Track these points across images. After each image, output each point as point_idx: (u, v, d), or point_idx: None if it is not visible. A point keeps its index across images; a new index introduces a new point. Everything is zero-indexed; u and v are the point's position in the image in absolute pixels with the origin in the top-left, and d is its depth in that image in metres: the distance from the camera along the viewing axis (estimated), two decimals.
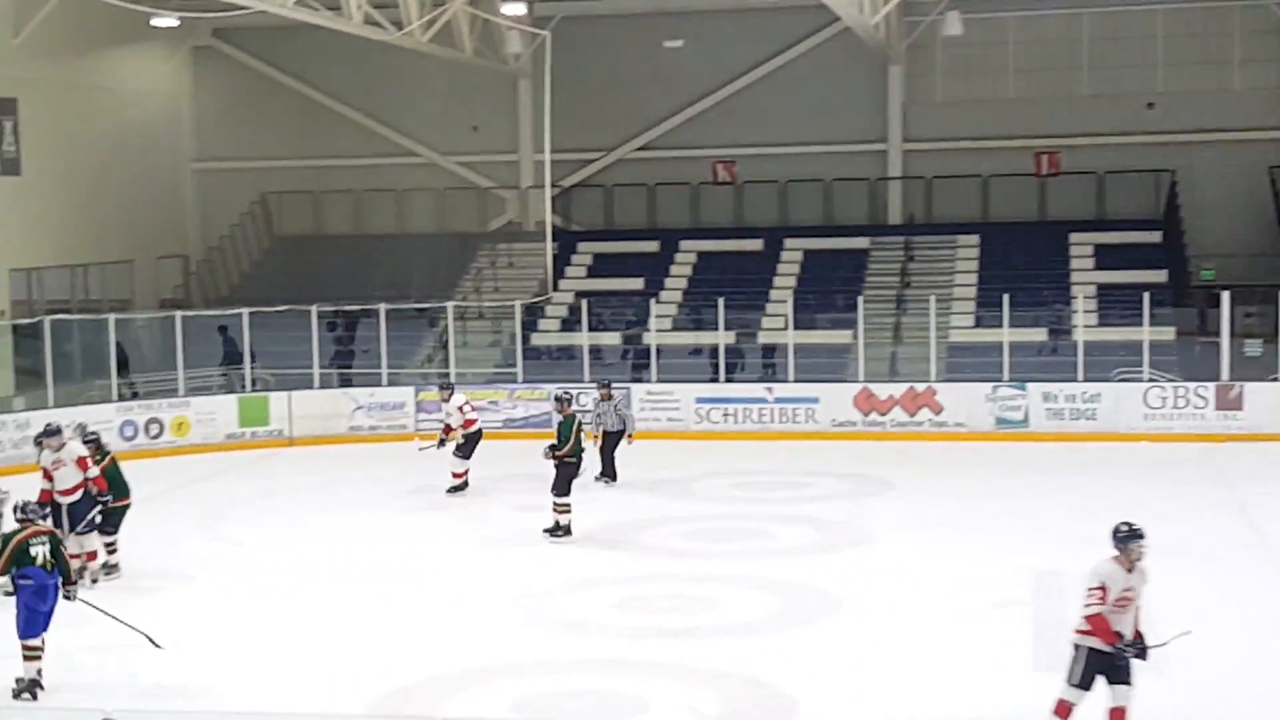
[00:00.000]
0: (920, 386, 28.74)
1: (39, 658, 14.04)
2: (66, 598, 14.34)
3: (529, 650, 15.35)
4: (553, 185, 34.91)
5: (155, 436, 27.77)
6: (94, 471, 18.08)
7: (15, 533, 14.28)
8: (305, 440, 28.50)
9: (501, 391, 29.78)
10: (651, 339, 30.78)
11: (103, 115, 35.62)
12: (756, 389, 29.36)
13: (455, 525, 21.51)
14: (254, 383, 29.79)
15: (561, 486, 20.43)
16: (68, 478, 17.99)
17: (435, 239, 37.09)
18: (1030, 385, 28.21)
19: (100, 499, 18.07)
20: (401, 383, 30.18)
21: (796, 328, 30.05)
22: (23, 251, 32.52)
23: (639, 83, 37.33)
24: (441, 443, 23.63)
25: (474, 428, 23.49)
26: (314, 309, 29.82)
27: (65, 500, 17.94)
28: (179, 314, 30.07)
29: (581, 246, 36.35)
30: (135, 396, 28.68)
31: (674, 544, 20.08)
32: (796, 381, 29.25)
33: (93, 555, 18.17)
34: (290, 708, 13.40)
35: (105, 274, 35.29)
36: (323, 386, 29.78)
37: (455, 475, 23.47)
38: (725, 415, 29.18)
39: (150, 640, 14.93)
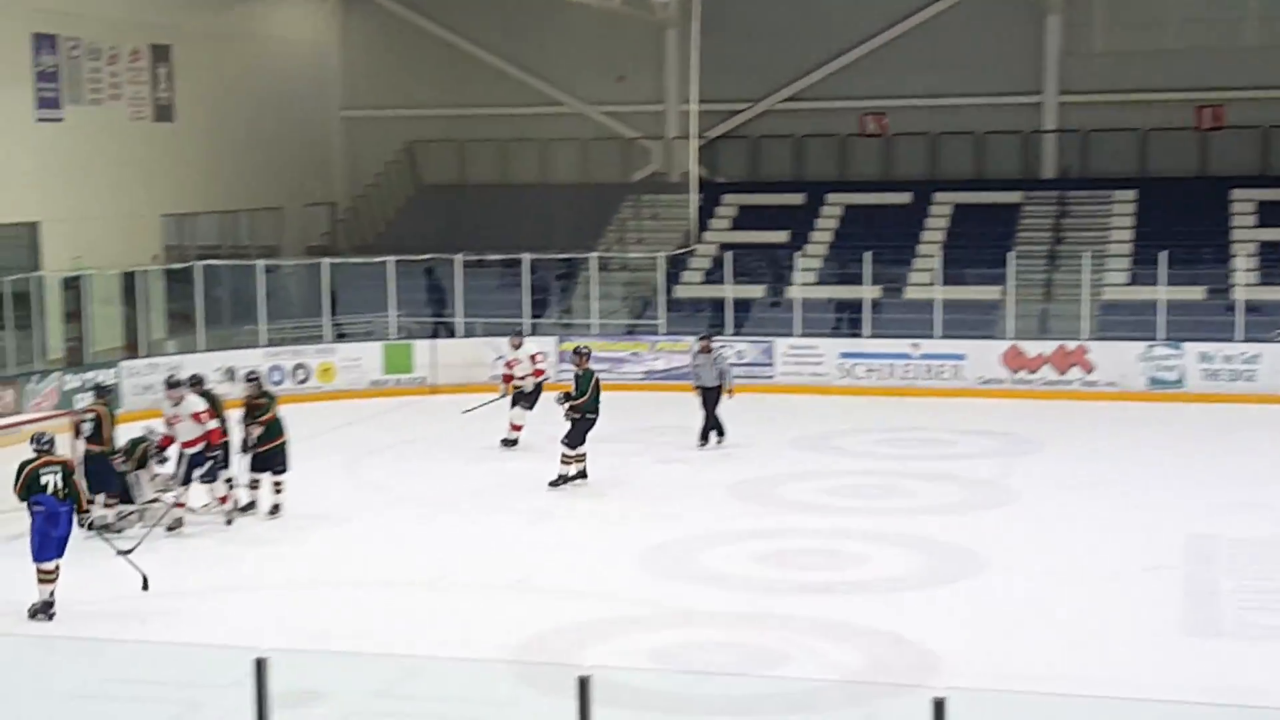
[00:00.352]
0: (1071, 345, 28.22)
1: (52, 581, 14.76)
2: (80, 525, 15.29)
3: (668, 602, 15.25)
4: (698, 136, 34.65)
5: (301, 382, 28.07)
6: (212, 424, 18.19)
7: (28, 462, 15.02)
8: (447, 388, 28.61)
9: (643, 344, 29.69)
10: (795, 292, 30.49)
11: (254, 64, 35.94)
12: (901, 344, 28.97)
13: (595, 475, 21.46)
14: (398, 330, 29.99)
15: (575, 438, 20.46)
16: (186, 431, 18.13)
17: (579, 189, 37.00)
18: (1186, 345, 27.56)
19: (210, 454, 18.13)
20: (542, 333, 30.18)
21: (944, 283, 29.64)
22: (175, 197, 32.97)
23: (787, 32, 36.82)
24: (502, 395, 23.42)
25: (541, 379, 23.32)
26: (458, 257, 29.91)
27: (186, 452, 18.09)
28: (325, 260, 30.38)
29: (726, 198, 36.06)
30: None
31: (816, 499, 19.88)
32: (943, 338, 28.83)
33: (224, 499, 18.35)
34: (433, 651, 13.43)
35: (254, 220, 35.75)
36: (466, 335, 29.88)
37: (514, 427, 23.25)
38: (869, 370, 28.84)
39: (144, 581, 15.52)
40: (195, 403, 18.34)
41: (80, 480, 15.51)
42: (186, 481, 18.19)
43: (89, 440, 18.24)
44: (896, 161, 36.41)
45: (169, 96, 32.77)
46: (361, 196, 38.83)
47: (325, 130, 39.18)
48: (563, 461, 20.49)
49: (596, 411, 20.72)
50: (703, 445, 23.06)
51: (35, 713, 11.81)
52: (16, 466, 15.06)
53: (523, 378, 23.25)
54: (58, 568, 14.78)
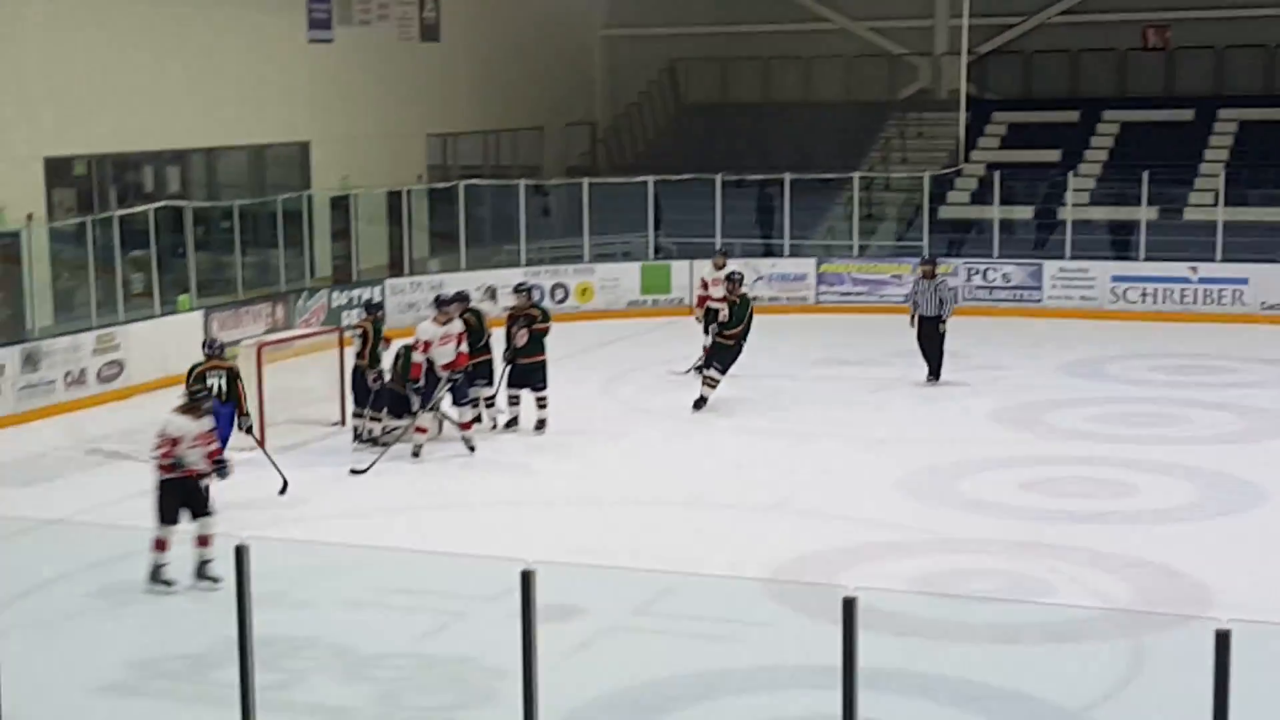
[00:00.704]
0: None
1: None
2: (239, 428, 16.37)
3: (930, 527, 14.97)
4: (968, 51, 33.82)
5: (560, 301, 28.19)
6: (463, 348, 18.21)
7: (196, 365, 16.49)
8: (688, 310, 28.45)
9: (905, 266, 29.17)
10: (1067, 214, 29.60)
11: None
12: (1179, 268, 27.95)
13: (854, 395, 21.13)
14: (658, 250, 29.94)
15: (725, 362, 20.04)
16: (446, 354, 18.12)
17: (843, 108, 36.44)
18: None
19: (454, 376, 18.14)
20: (804, 254, 29.86)
21: (1227, 204, 28.50)
22: (440, 117, 33.32)
23: None
24: (698, 320, 22.29)
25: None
26: (719, 177, 29.71)
27: (443, 375, 18.03)
28: (586, 180, 30.44)
29: (996, 116, 35.10)
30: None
31: (1086, 426, 19.31)
32: (1224, 261, 27.75)
33: (466, 426, 18.35)
34: (692, 571, 13.39)
35: (516, 140, 35.94)
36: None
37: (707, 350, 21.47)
38: (1143, 295, 27.92)
39: (284, 484, 16.03)
40: (458, 324, 18.44)
41: (242, 393, 16.57)
42: (433, 406, 18.22)
43: (356, 355, 18.64)
44: (1179, 76, 35.07)
45: (435, 16, 33.07)
46: (622, 116, 38.81)
47: (587, 49, 39.21)
48: (704, 384, 20.09)
49: (746, 339, 20.18)
50: (933, 381, 21.68)
51: (303, 618, 12.11)
52: (188, 368, 16.56)
53: (720, 299, 21.33)
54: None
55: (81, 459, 18.29)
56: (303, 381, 20.03)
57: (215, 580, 12.71)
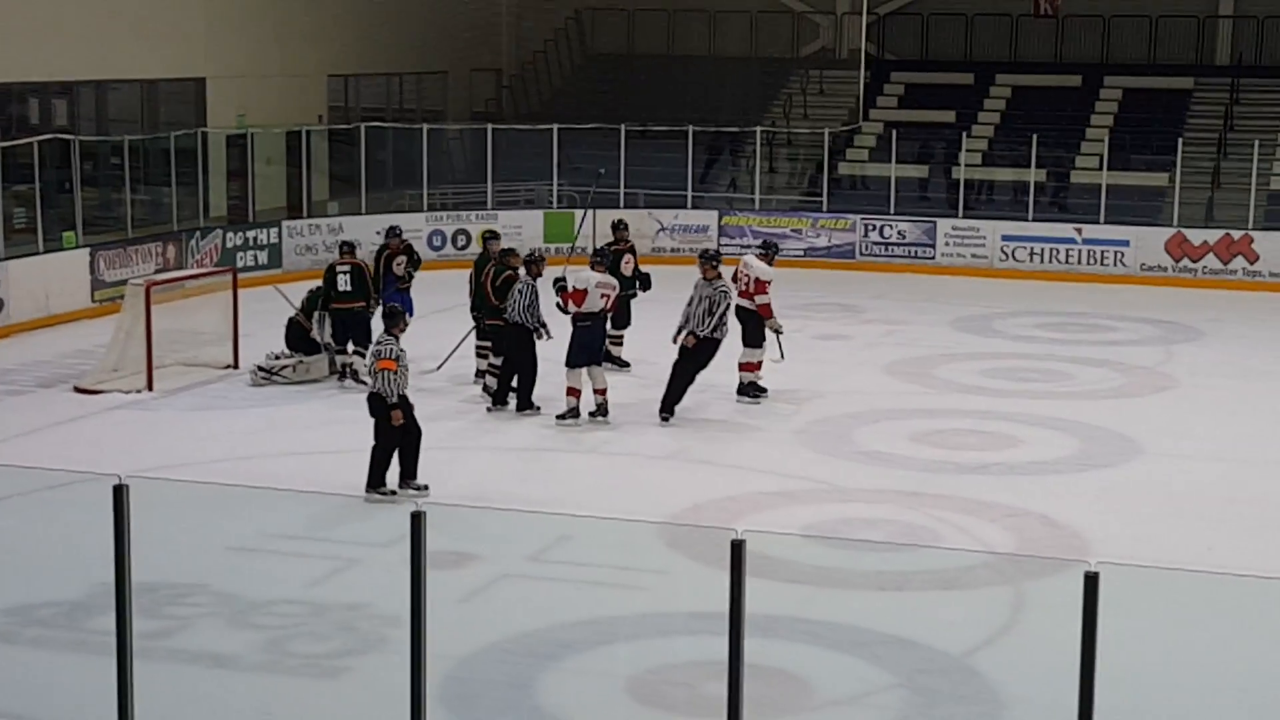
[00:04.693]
0: (1236, 234, 27.69)
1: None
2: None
3: (823, 478, 15.30)
4: (869, 12, 34.13)
5: (462, 248, 28.27)
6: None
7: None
8: None
9: (805, 220, 29.53)
10: (960, 173, 30.09)
11: None
12: (1065, 229, 28.56)
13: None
14: (559, 198, 30.06)
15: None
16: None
17: (746, 63, 36.67)
18: None
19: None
20: (705, 206, 30.12)
21: (1111, 168, 29.10)
22: (342, 57, 32.94)
23: None
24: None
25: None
26: (623, 127, 29.85)
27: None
28: (490, 126, 30.43)
29: (894, 76, 35.50)
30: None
31: (975, 380, 19.75)
32: (1108, 223, 28.37)
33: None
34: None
35: (420, 84, 35.75)
36: (627, 206, 29.86)
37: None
38: (1031, 254, 28.49)
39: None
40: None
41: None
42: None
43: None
44: (1068, 44, 35.61)
45: None
46: (529, 63, 38.74)
47: None
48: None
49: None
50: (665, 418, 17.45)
51: (188, 564, 12.07)
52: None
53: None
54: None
55: None
56: (193, 323, 19.76)
57: None
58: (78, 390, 18.05)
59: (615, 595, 11.95)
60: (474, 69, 37.72)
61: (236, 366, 19.16)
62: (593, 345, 16.85)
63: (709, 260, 17.48)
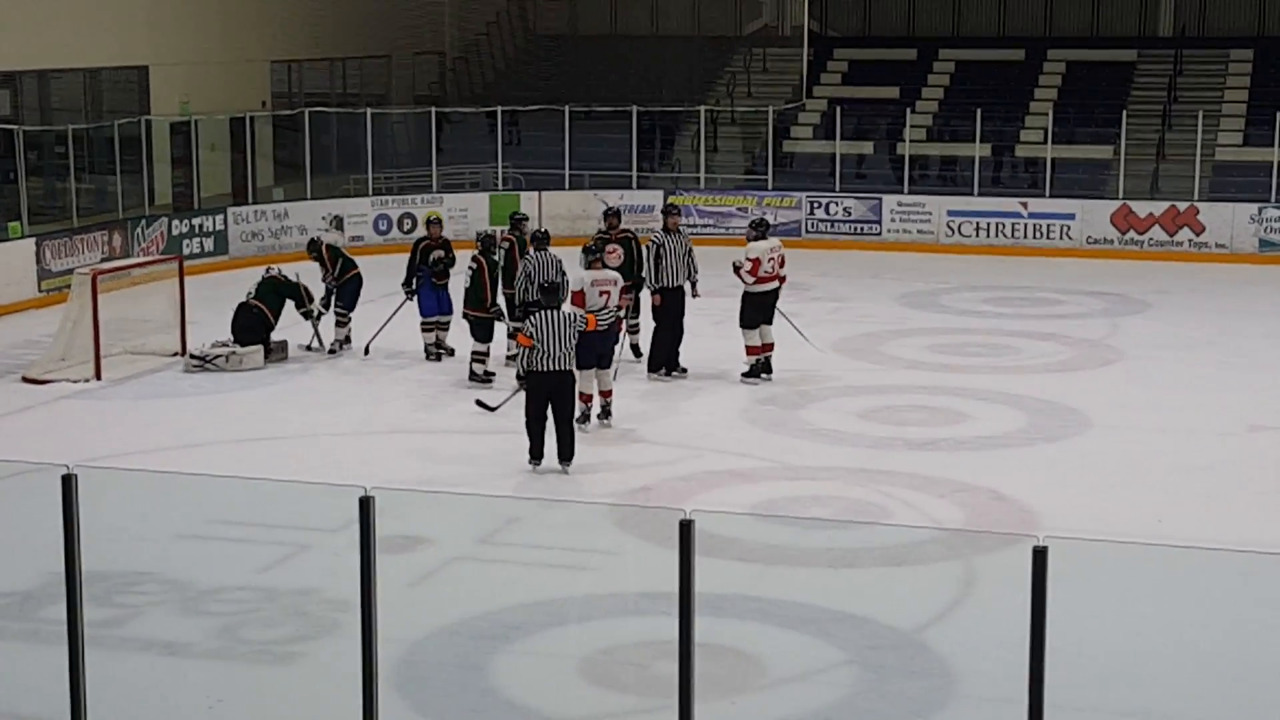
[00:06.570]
0: (1182, 205, 27.85)
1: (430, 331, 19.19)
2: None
3: (774, 456, 15.33)
4: None
5: (408, 231, 28.16)
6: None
7: (421, 239, 19.76)
8: (555, 241, 28.48)
9: (750, 198, 29.56)
10: (905, 149, 30.18)
11: None
12: (1010, 203, 28.70)
13: (699, 326, 21.46)
14: (505, 181, 30.00)
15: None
16: None
17: (690, 42, 36.68)
18: None
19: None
20: (651, 186, 30.12)
21: (1055, 141, 29.25)
22: (284, 43, 32.85)
23: None
24: None
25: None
26: (567, 109, 29.81)
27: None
28: (434, 110, 30.36)
29: (838, 53, 35.56)
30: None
31: (922, 356, 19.84)
32: (1053, 197, 28.53)
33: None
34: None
35: (363, 69, 35.62)
36: (573, 188, 29.86)
37: None
38: (977, 229, 28.61)
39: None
40: None
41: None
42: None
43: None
44: (1010, 18, 35.77)
45: None
46: (471, 45, 38.63)
47: None
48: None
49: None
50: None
51: (138, 552, 12.05)
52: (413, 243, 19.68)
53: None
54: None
55: None
56: (140, 311, 19.65)
57: None
58: (25, 380, 17.96)
59: (566, 577, 11.94)
60: (417, 52, 37.60)
61: (184, 354, 19.10)
62: (601, 347, 16.04)
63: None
